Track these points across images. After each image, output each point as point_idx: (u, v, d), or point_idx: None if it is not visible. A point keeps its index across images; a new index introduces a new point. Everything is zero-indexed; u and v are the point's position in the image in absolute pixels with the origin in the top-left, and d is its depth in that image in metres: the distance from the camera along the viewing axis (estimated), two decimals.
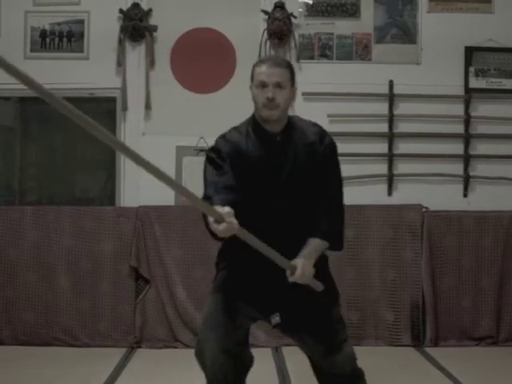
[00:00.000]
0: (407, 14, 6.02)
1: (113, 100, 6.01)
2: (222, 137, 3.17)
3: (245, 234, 2.74)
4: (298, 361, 5.21)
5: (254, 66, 3.13)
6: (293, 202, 3.13)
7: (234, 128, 3.22)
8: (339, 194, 3.25)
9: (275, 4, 5.91)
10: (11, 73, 1.93)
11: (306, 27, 6.01)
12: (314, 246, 3.10)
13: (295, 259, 3.00)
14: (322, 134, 3.24)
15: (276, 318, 3.16)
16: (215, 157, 3.07)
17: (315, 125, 3.29)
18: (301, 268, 2.95)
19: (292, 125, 3.19)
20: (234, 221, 2.61)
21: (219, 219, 2.60)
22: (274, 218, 3.10)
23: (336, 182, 3.24)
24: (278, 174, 3.10)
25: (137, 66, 5.97)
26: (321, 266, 3.16)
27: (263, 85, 3.03)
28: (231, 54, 5.98)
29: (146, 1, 5.98)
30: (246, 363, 3.15)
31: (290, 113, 5.90)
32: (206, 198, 2.87)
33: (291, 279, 2.97)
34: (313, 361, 3.40)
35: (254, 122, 3.15)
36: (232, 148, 3.09)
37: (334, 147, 3.25)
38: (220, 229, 2.59)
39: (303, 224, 3.14)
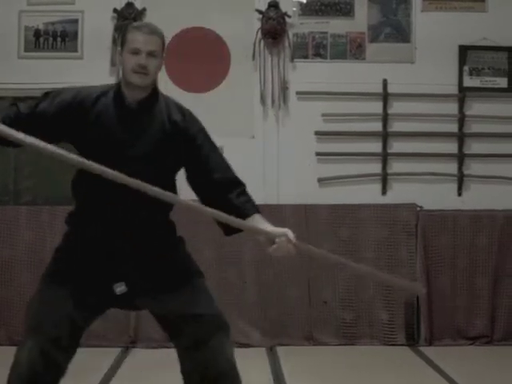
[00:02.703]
0: (401, 13, 6.02)
1: None
2: (79, 91, 2.98)
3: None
4: (292, 361, 5.24)
5: (128, 32, 2.99)
6: (144, 174, 2.78)
7: (101, 86, 3.06)
8: (229, 166, 3.06)
9: (269, 3, 5.91)
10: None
11: (299, 26, 6.01)
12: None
13: (272, 228, 2.87)
14: (185, 113, 3.09)
15: (121, 287, 2.91)
16: (57, 101, 2.93)
17: (181, 106, 3.12)
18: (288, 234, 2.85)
19: (156, 97, 3.04)
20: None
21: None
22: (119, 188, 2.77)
23: (220, 157, 3.06)
24: (126, 141, 2.94)
25: None
26: (173, 241, 3.10)
27: (137, 52, 2.92)
28: (225, 53, 5.98)
29: (139, 0, 5.97)
30: (62, 369, 3.01)
31: (285, 111, 6.00)
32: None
33: (278, 250, 2.84)
34: (182, 364, 3.05)
35: (118, 88, 3.01)
36: (83, 106, 2.93)
37: (200, 125, 3.09)
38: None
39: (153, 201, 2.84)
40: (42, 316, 2.90)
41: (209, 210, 2.81)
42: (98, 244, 2.95)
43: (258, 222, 2.90)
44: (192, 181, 3.04)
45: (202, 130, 3.07)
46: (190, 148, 3.01)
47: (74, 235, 3.04)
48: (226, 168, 3.04)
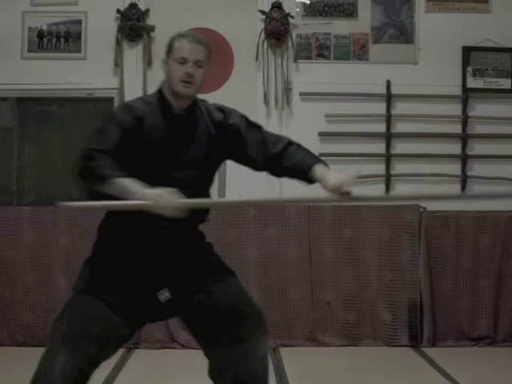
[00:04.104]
0: (404, 14, 6.02)
1: (110, 100, 5.99)
2: (129, 106, 3.01)
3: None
4: (295, 362, 5.23)
5: (174, 40, 3.02)
6: (195, 178, 3.01)
7: (141, 98, 3.12)
8: (276, 135, 3.17)
9: (273, 4, 5.92)
10: None
11: (303, 27, 6.02)
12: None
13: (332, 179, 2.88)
14: (225, 111, 3.17)
15: (166, 294, 2.92)
16: (127, 120, 2.91)
17: (220, 107, 3.20)
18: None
19: (197, 104, 3.11)
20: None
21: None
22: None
23: (265, 134, 3.16)
24: (179, 148, 3.00)
25: (134, 66, 5.96)
26: (205, 247, 3.14)
27: (183, 61, 2.96)
28: (229, 55, 5.98)
29: (143, 1, 5.97)
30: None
31: (287, 112, 6.00)
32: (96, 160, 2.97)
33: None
34: (216, 364, 3.06)
35: (161, 97, 3.05)
36: (139, 120, 2.95)
37: (241, 114, 3.18)
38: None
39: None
40: (81, 331, 2.86)
41: (272, 199, 2.95)
42: (139, 254, 2.95)
43: (322, 172, 2.93)
44: (249, 164, 3.13)
45: (243, 117, 3.16)
46: (239, 139, 3.09)
47: (111, 246, 3.01)
48: (275, 140, 3.11)
